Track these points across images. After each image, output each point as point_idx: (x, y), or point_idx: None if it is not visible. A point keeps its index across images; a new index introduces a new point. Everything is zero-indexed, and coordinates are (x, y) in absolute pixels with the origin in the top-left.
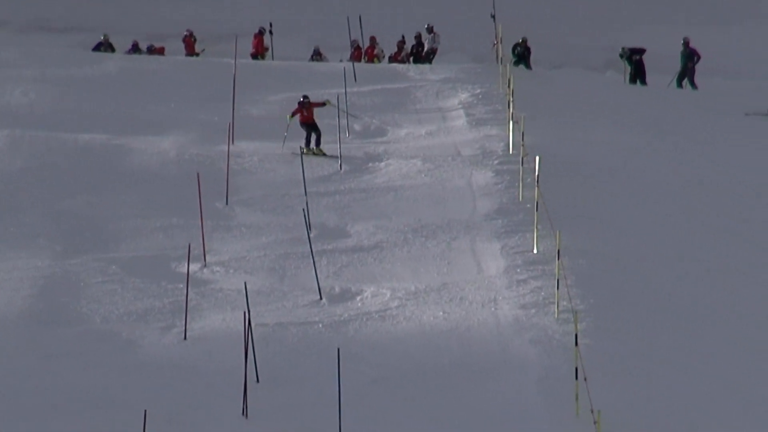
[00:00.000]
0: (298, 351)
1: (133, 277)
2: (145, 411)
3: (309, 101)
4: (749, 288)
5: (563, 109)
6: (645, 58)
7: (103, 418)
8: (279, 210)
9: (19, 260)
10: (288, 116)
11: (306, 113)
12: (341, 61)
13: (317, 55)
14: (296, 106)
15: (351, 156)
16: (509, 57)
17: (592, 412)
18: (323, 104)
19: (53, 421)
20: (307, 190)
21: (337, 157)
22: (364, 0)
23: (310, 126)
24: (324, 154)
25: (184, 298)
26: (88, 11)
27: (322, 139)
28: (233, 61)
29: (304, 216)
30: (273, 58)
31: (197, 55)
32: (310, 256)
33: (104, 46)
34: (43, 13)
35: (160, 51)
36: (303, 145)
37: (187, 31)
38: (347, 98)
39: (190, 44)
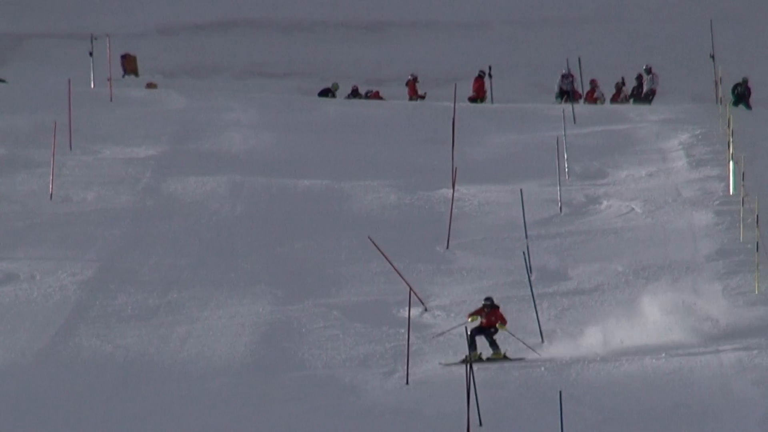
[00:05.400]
0: (520, 394)
1: (355, 322)
2: None
3: (491, 306)
4: None
5: None
6: None
7: None
8: (499, 253)
9: (241, 306)
10: (468, 318)
11: (490, 318)
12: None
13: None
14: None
15: (571, 198)
16: (729, 97)
17: None
18: (504, 322)
19: None
20: (527, 233)
21: (518, 359)
22: (583, 41)
23: (485, 331)
24: (506, 358)
25: (405, 342)
26: (306, 56)
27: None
28: (452, 105)
29: (525, 259)
30: (492, 101)
31: (421, 98)
32: (531, 299)
33: (330, 93)
34: (260, 59)
35: (376, 96)
36: (468, 354)
37: (411, 75)
38: (566, 140)
39: (413, 88)
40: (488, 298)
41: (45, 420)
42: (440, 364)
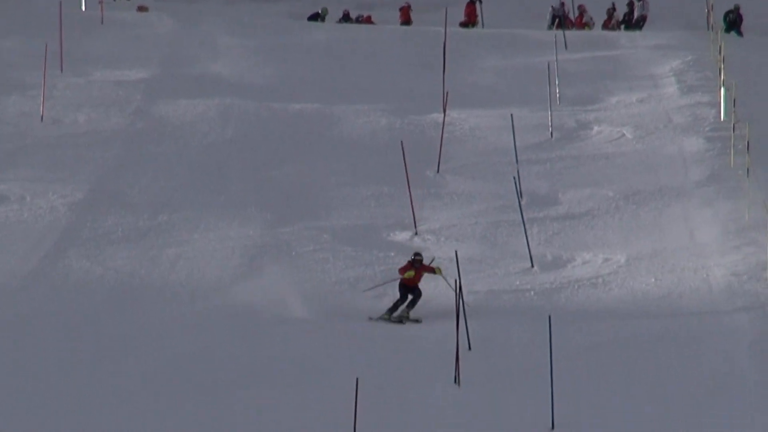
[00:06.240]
0: (510, 318)
1: (345, 245)
2: (357, 379)
3: (421, 262)
4: None
5: None
6: None
7: (316, 386)
8: (490, 178)
9: (231, 229)
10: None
11: (414, 275)
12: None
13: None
14: (405, 263)
15: (562, 123)
16: (720, 24)
17: None
18: (433, 271)
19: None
20: (518, 157)
21: (419, 321)
22: None
23: (411, 289)
24: (416, 320)
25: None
26: None
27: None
28: (443, 30)
29: (515, 184)
30: (483, 26)
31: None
32: (522, 224)
33: (320, 17)
34: None
35: (368, 20)
36: (385, 313)
37: (406, 2)
38: (557, 66)
39: (406, 13)
40: (418, 254)
41: (34, 341)
42: (370, 318)
